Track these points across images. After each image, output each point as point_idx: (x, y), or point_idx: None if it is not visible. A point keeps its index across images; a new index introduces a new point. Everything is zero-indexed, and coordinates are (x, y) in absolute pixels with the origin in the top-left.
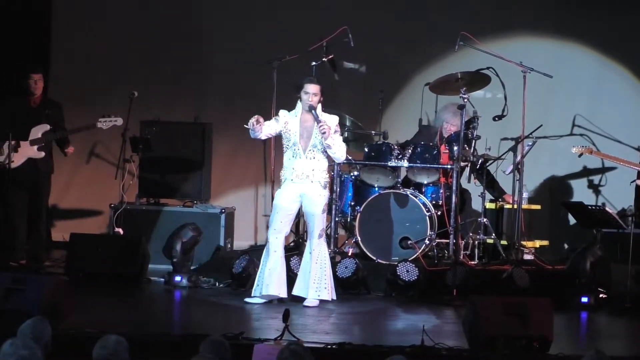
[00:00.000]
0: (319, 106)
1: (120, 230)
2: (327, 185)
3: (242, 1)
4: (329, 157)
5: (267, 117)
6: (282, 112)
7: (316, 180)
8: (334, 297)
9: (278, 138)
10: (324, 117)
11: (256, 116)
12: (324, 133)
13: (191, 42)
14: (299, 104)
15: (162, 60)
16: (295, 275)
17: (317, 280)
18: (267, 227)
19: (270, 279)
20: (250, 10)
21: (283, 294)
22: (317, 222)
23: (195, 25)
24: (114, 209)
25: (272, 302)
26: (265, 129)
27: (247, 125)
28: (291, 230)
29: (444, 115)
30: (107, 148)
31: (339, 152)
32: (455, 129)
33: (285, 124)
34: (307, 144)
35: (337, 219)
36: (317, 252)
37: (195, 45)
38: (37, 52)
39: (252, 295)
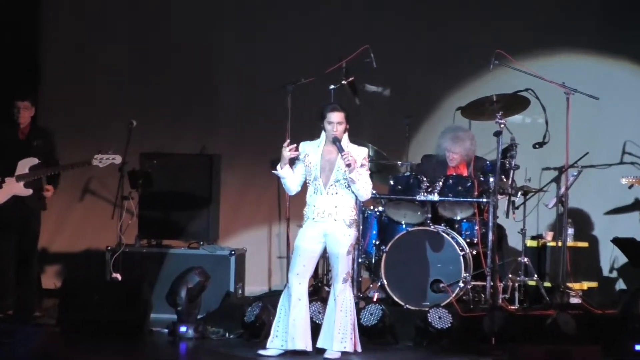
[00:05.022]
0: (345, 136)
1: (119, 276)
2: (354, 224)
3: (254, 22)
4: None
5: (281, 149)
6: (303, 144)
7: (340, 218)
8: (359, 349)
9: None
10: (351, 149)
11: (287, 147)
12: (349, 165)
13: (198, 65)
14: (323, 134)
15: (164, 85)
16: (315, 324)
17: (342, 330)
18: (287, 271)
19: (295, 331)
20: (262, 30)
21: (309, 347)
22: (342, 265)
23: (202, 47)
24: (111, 252)
25: (286, 353)
26: (296, 178)
27: (277, 170)
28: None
29: (444, 144)
30: (102, 184)
31: (364, 189)
32: (459, 157)
33: (305, 156)
34: (329, 178)
35: (360, 260)
36: (341, 299)
37: (202, 68)
38: (26, 78)
39: (268, 347)
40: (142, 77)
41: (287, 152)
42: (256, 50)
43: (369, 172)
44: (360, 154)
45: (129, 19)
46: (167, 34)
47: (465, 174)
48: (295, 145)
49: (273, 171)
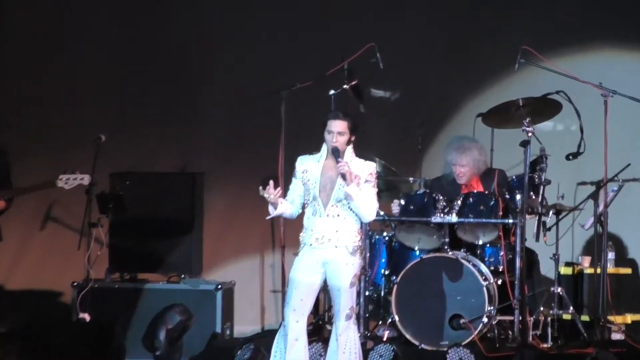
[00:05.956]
0: (349, 149)
1: (87, 316)
2: (358, 251)
3: (241, 18)
4: None
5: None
6: (301, 159)
7: (342, 244)
8: None
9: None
10: (356, 164)
11: (266, 191)
12: (344, 176)
13: (177, 70)
14: (324, 146)
15: (138, 93)
16: None
17: None
18: (282, 307)
19: None
20: (251, 29)
21: None
22: (345, 299)
23: (182, 48)
24: (77, 289)
25: None
26: (295, 202)
27: (270, 215)
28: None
29: (449, 157)
30: (67, 209)
31: (366, 208)
32: (468, 171)
33: (304, 173)
34: (330, 197)
35: (367, 293)
36: (344, 338)
37: (182, 73)
38: None
39: None
40: (113, 85)
41: (268, 197)
42: (245, 52)
43: (376, 189)
44: (366, 169)
45: (97, 20)
46: (141, 33)
47: (479, 190)
48: (273, 183)
49: (266, 217)
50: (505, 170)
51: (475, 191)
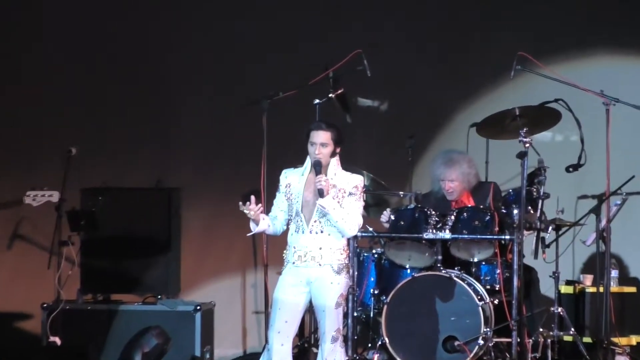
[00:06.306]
0: (334, 161)
1: (58, 340)
2: (344, 269)
3: (221, 30)
4: None
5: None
6: (285, 172)
7: (326, 262)
8: None
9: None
10: (341, 177)
11: (246, 207)
12: (320, 192)
13: (153, 81)
14: (308, 159)
15: (111, 105)
16: None
17: None
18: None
19: None
20: (229, 33)
21: None
22: (330, 320)
23: (157, 55)
24: (47, 311)
25: None
26: (279, 218)
27: (252, 231)
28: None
29: (437, 172)
30: (36, 227)
31: (345, 222)
32: (458, 186)
33: (287, 187)
34: (312, 212)
35: (355, 314)
36: None
37: (158, 85)
38: None
39: None
40: (84, 96)
41: (249, 213)
42: (224, 60)
43: (361, 203)
44: (351, 182)
45: (67, 25)
46: (115, 43)
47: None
48: (254, 199)
49: (248, 234)
50: (499, 184)
51: (469, 206)
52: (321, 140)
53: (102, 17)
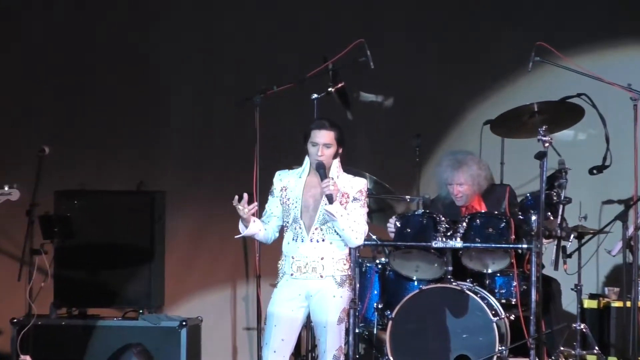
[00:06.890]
0: (335, 162)
1: (29, 358)
2: (347, 281)
3: (208, 20)
4: None
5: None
6: (279, 174)
7: (328, 274)
8: None
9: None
10: (344, 180)
11: (240, 204)
12: (329, 197)
13: (134, 75)
14: (306, 160)
15: (88, 101)
16: None
17: None
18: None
19: None
20: (219, 22)
21: None
22: (332, 338)
23: (139, 52)
24: (17, 326)
25: None
26: (271, 224)
27: (240, 233)
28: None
29: (443, 176)
30: (4, 233)
31: (353, 231)
32: (468, 190)
33: (282, 191)
34: (313, 219)
35: (357, 331)
36: None
37: (140, 80)
38: None
39: None
40: (59, 91)
41: (242, 211)
42: (212, 54)
43: (365, 209)
44: (355, 186)
45: (46, 24)
46: (92, 30)
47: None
48: (247, 197)
49: (236, 236)
50: (516, 188)
51: (482, 211)
52: (324, 140)
53: (81, 16)
